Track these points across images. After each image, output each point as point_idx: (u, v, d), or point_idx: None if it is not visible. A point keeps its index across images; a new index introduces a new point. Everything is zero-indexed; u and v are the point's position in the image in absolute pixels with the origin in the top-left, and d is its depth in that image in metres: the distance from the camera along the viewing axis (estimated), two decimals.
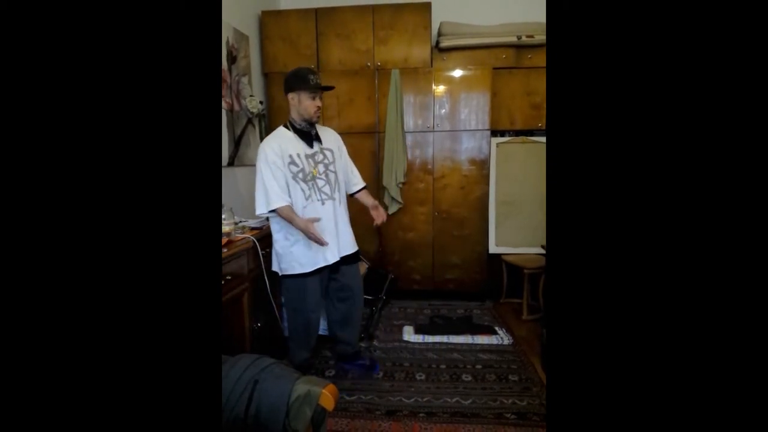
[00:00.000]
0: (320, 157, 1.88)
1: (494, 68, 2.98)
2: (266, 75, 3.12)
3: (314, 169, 1.85)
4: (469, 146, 3.04)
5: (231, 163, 2.58)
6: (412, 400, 1.90)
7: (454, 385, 2.03)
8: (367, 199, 2.07)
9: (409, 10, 2.95)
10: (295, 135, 1.85)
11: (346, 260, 1.97)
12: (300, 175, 1.82)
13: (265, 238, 2.04)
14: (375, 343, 2.49)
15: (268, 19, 3.04)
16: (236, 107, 2.66)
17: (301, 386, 1.10)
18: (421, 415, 1.79)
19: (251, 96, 2.81)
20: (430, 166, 3.08)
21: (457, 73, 2.99)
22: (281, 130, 1.88)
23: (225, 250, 1.69)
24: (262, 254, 1.96)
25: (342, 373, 2.16)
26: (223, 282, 1.66)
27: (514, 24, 3.03)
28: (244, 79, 2.78)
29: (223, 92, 2.51)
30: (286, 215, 1.80)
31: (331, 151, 1.92)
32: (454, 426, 1.71)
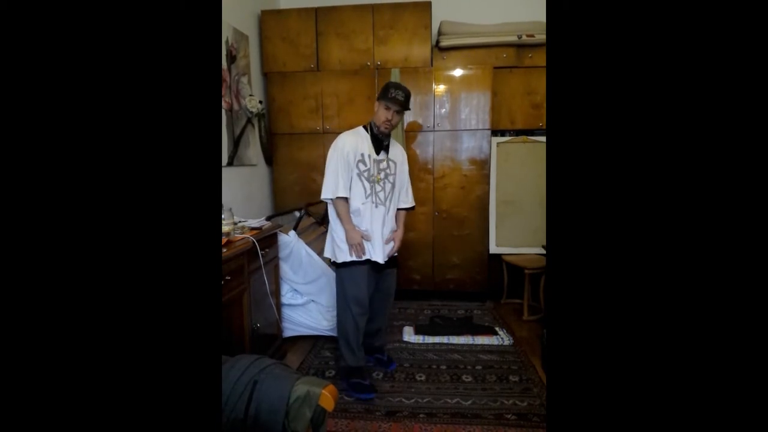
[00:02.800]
0: (384, 165, 1.98)
1: (495, 67, 2.98)
2: (266, 75, 3.11)
3: (378, 174, 1.95)
4: (470, 146, 3.03)
5: (230, 163, 2.58)
6: (412, 400, 1.90)
7: (455, 385, 2.02)
8: (401, 221, 2.12)
9: (409, 9, 2.94)
10: (371, 138, 1.96)
11: (389, 264, 2.06)
12: (365, 174, 1.93)
13: (264, 238, 2.03)
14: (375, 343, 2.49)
15: (267, 19, 3.04)
16: (235, 107, 2.65)
17: (301, 387, 1.10)
18: (421, 415, 1.78)
19: (251, 96, 2.81)
20: (430, 166, 3.07)
21: (458, 72, 2.99)
22: (360, 129, 2.00)
23: (224, 250, 1.68)
24: (262, 254, 1.96)
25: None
26: (222, 282, 1.66)
27: (514, 23, 3.03)
28: (244, 79, 2.77)
29: (223, 92, 2.50)
30: (342, 212, 1.92)
31: (395, 163, 2.01)
32: (454, 427, 1.71)
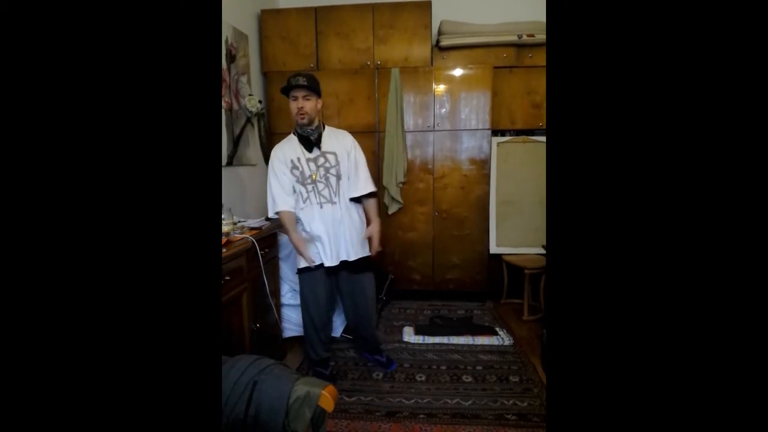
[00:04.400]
0: (321, 160, 1.92)
1: (495, 67, 2.97)
2: (265, 74, 3.11)
3: (315, 173, 1.90)
4: (470, 146, 3.03)
5: (230, 163, 2.57)
6: (413, 401, 1.90)
7: (455, 386, 2.02)
8: (371, 212, 2.04)
9: (409, 8, 2.94)
10: (298, 140, 1.93)
11: (347, 266, 1.99)
12: (300, 178, 1.91)
13: (264, 238, 2.03)
14: None
15: (267, 18, 3.04)
16: (235, 106, 2.65)
17: (301, 387, 1.10)
18: (421, 416, 1.78)
19: (250, 95, 2.80)
20: (430, 166, 3.07)
21: (458, 72, 2.98)
22: (290, 136, 1.98)
23: (224, 250, 1.68)
24: (261, 254, 1.96)
25: (362, 363, 2.25)
26: (222, 282, 1.65)
27: (514, 23, 3.03)
28: (243, 79, 2.77)
29: (222, 91, 2.50)
30: (285, 223, 1.92)
31: (334, 154, 1.93)
32: (454, 427, 1.70)
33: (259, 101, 2.86)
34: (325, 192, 1.92)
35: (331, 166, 1.93)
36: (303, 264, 1.97)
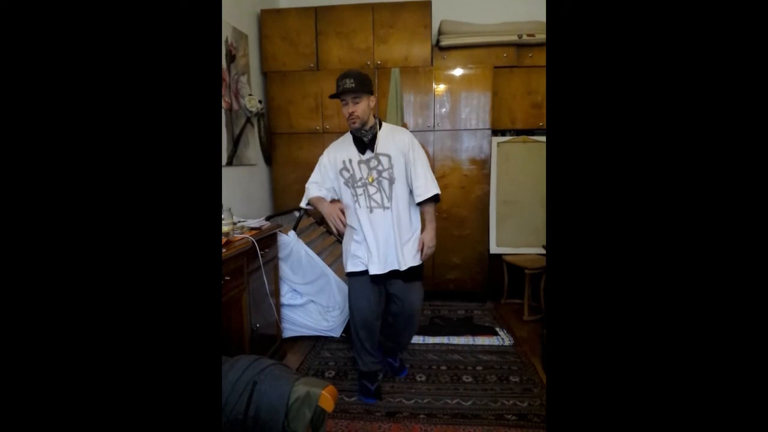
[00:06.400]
0: (374, 163, 1.79)
1: (495, 67, 2.97)
2: (265, 74, 3.11)
3: (370, 176, 1.78)
4: (470, 145, 3.03)
5: (230, 163, 2.57)
6: (413, 401, 1.89)
7: (455, 386, 2.02)
8: (426, 216, 1.90)
9: (409, 8, 2.94)
10: (353, 140, 1.83)
11: (395, 275, 1.84)
12: (350, 181, 1.81)
13: (264, 238, 2.02)
14: None
15: (267, 18, 3.03)
16: (235, 106, 2.65)
17: (301, 387, 1.09)
18: (421, 416, 1.78)
19: (250, 95, 2.80)
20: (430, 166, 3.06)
21: (458, 71, 2.98)
22: (347, 134, 1.87)
23: (224, 250, 1.67)
24: (261, 254, 1.95)
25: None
26: (222, 282, 1.65)
27: (514, 23, 3.02)
28: (243, 78, 2.76)
29: (222, 91, 2.49)
30: (315, 202, 1.87)
31: (388, 156, 1.78)
32: (454, 427, 1.70)
33: (259, 101, 2.86)
34: (377, 196, 1.79)
35: (384, 169, 1.78)
36: (351, 268, 1.86)
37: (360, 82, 1.69)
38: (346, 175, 1.82)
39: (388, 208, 1.80)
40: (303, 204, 1.93)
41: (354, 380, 2.08)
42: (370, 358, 1.93)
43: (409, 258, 1.84)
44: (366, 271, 1.83)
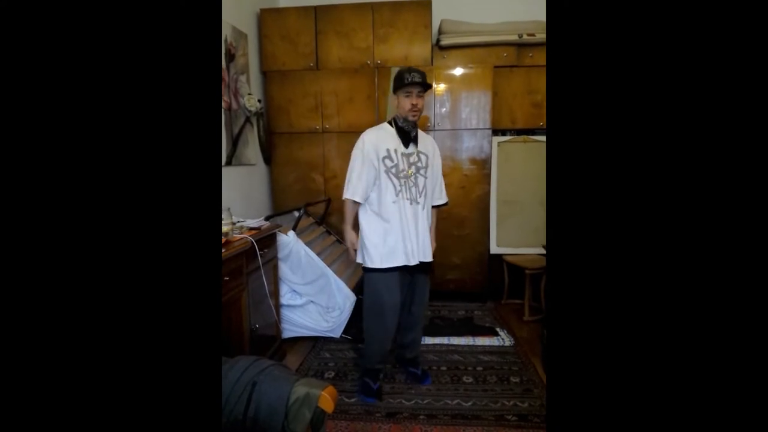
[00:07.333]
0: (414, 158, 1.87)
1: (495, 67, 2.96)
2: (265, 73, 3.10)
3: (408, 169, 1.85)
4: (470, 145, 3.02)
5: (229, 163, 2.56)
6: (413, 402, 1.89)
7: (455, 386, 2.01)
8: (432, 219, 2.02)
9: (409, 7, 2.93)
10: (396, 132, 1.87)
11: (420, 268, 1.92)
12: (393, 170, 1.83)
13: (263, 238, 2.02)
14: None
15: (267, 17, 3.03)
16: (234, 106, 2.64)
17: (300, 388, 1.09)
18: (421, 417, 1.77)
19: (249, 94, 2.79)
20: None
21: (458, 71, 2.98)
22: (384, 124, 1.92)
23: (223, 250, 1.67)
24: (261, 254, 1.94)
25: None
26: (221, 282, 1.64)
27: (515, 22, 3.02)
28: (243, 78, 2.76)
29: (221, 91, 2.49)
30: (348, 214, 1.88)
31: (426, 156, 1.89)
32: (454, 428, 1.70)
33: (258, 100, 2.85)
34: (414, 191, 1.86)
35: (422, 167, 1.88)
36: (387, 263, 1.85)
37: (425, 79, 1.80)
38: (389, 164, 1.83)
39: (419, 203, 1.88)
40: (347, 196, 1.84)
41: (354, 381, 2.08)
42: (380, 357, 1.94)
43: (429, 252, 1.93)
44: (400, 267, 1.85)
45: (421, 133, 1.93)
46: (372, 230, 1.87)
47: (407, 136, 1.86)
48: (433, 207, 1.99)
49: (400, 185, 1.83)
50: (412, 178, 1.85)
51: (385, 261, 1.85)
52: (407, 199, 1.84)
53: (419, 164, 1.87)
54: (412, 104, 1.79)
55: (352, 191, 1.83)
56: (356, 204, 1.86)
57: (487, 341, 2.47)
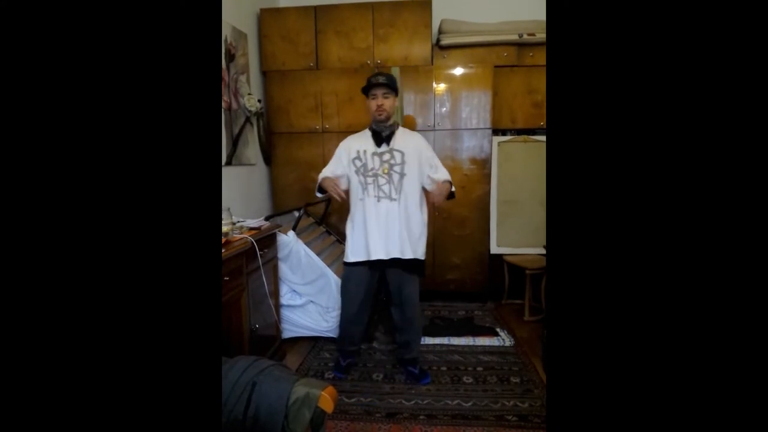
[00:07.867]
0: (387, 156, 1.96)
1: (495, 66, 2.96)
2: (265, 73, 3.10)
3: (383, 167, 1.94)
4: (470, 145, 3.02)
5: (229, 163, 2.56)
6: (413, 402, 1.88)
7: (455, 387, 2.01)
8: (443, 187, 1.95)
9: (409, 7, 2.93)
10: (371, 134, 2.00)
11: (395, 264, 1.96)
12: (362, 169, 1.96)
13: (263, 238, 2.02)
14: (375, 345, 2.47)
15: (266, 17, 3.02)
16: (234, 106, 2.64)
17: (300, 388, 1.09)
18: (421, 417, 1.77)
19: (249, 94, 2.79)
20: None
21: (458, 71, 2.97)
22: (365, 130, 2.06)
23: (223, 250, 1.66)
24: (260, 254, 1.94)
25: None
26: (221, 283, 1.64)
27: (515, 22, 3.01)
28: (243, 78, 2.76)
29: (221, 91, 2.48)
30: (321, 182, 2.01)
31: (401, 153, 1.96)
32: (454, 428, 1.69)
33: (258, 100, 2.85)
34: (386, 187, 1.94)
35: (396, 164, 1.95)
36: (351, 258, 2.01)
37: (390, 81, 1.95)
38: (358, 164, 1.97)
39: (395, 200, 1.94)
40: (317, 193, 2.06)
41: (354, 381, 2.08)
42: (348, 342, 2.16)
43: (412, 250, 1.97)
44: (364, 262, 1.98)
45: (402, 132, 2.03)
46: (347, 228, 2.06)
47: (379, 136, 1.98)
48: (441, 183, 1.93)
49: (366, 184, 1.95)
50: (386, 176, 1.94)
51: (350, 256, 2.02)
52: (375, 196, 1.94)
53: (392, 161, 1.95)
54: (378, 105, 1.92)
55: (322, 174, 2.05)
56: (324, 176, 2.01)
57: (487, 341, 2.46)
